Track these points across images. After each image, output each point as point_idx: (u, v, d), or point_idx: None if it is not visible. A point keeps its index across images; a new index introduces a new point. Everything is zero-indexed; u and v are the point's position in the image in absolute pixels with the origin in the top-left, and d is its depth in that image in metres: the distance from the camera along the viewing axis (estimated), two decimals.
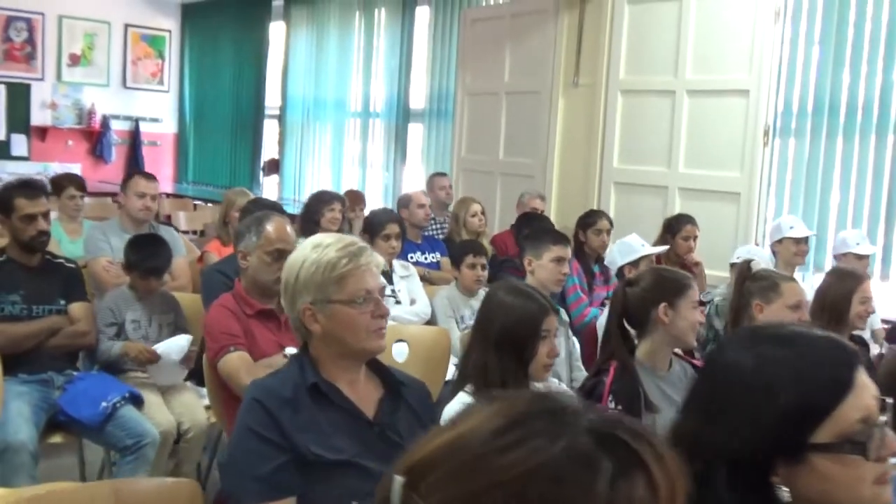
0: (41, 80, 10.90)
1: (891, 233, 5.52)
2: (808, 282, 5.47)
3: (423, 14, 8.83)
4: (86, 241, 4.86)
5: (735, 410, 1.28)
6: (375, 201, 8.50)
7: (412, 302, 4.70)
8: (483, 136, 7.52)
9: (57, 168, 10.16)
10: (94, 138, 11.32)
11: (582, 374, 3.85)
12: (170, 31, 12.00)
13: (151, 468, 3.49)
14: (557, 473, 0.77)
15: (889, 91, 5.43)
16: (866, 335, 4.33)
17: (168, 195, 9.93)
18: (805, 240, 5.03)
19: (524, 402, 0.85)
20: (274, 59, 10.82)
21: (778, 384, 1.25)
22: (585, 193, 6.60)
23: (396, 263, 4.88)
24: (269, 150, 11.06)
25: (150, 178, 4.97)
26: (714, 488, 1.22)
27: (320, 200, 5.48)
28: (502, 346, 2.44)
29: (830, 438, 1.23)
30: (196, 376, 3.97)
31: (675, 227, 5.35)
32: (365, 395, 2.16)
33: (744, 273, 3.30)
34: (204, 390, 3.90)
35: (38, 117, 10.89)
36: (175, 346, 3.79)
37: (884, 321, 4.94)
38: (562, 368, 3.69)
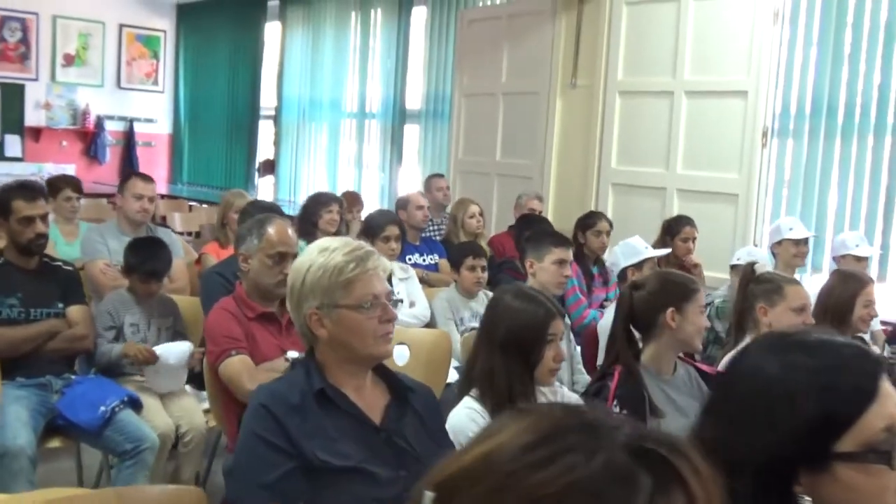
0: (35, 80, 10.85)
1: (888, 234, 5.52)
2: (806, 283, 5.46)
3: (419, 14, 8.81)
4: (83, 243, 4.83)
5: (758, 418, 1.26)
6: (371, 202, 8.48)
7: (411, 304, 4.68)
8: (480, 138, 7.50)
9: (51, 169, 10.12)
10: (89, 139, 11.27)
11: (583, 376, 3.85)
12: (164, 32, 11.95)
13: (150, 473, 3.47)
14: (595, 491, 0.75)
15: (886, 92, 5.43)
16: (866, 337, 4.33)
17: (163, 196, 9.88)
18: (805, 241, 5.03)
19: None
20: (269, 59, 10.79)
21: (802, 393, 1.24)
22: (583, 195, 6.59)
23: (395, 265, 4.85)
24: (264, 151, 11.03)
25: (148, 179, 4.94)
26: (736, 498, 1.20)
27: (318, 202, 5.46)
28: (508, 350, 2.42)
29: (854, 447, 1.21)
30: (195, 380, 3.95)
31: (674, 229, 5.34)
32: (371, 400, 2.14)
33: (747, 276, 3.29)
34: (203, 394, 3.89)
35: (32, 118, 10.84)
36: (175, 350, 3.76)
37: (883, 323, 4.93)
38: (563, 371, 3.67)
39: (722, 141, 5.85)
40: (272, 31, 10.72)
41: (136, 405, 3.60)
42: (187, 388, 3.95)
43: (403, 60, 8.92)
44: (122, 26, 11.53)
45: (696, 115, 6.00)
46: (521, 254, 4.20)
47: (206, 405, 3.84)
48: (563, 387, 3.25)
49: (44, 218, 3.76)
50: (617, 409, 2.59)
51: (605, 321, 4.07)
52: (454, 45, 8.01)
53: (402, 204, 5.94)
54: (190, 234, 8.05)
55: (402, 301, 2.29)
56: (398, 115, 8.99)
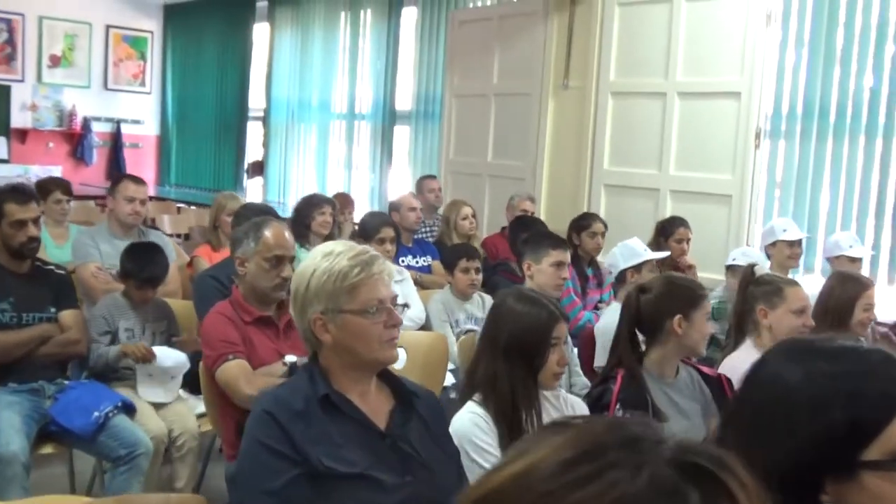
0: (21, 81, 10.77)
1: (879, 235, 5.53)
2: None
3: (409, 15, 8.79)
4: (74, 246, 4.78)
5: (781, 428, 1.24)
6: (361, 204, 8.44)
7: (406, 307, 4.65)
8: (471, 138, 7.48)
9: (37, 171, 10.05)
10: (75, 140, 11.20)
11: (580, 379, 3.83)
12: (152, 33, 11.89)
13: (145, 479, 3.44)
14: None
15: (878, 93, 5.45)
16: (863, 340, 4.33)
17: (151, 198, 9.80)
18: (798, 242, 5.03)
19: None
20: (258, 60, 10.74)
21: (827, 401, 1.21)
22: (576, 196, 6.58)
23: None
24: (253, 153, 10.98)
25: (140, 182, 4.90)
26: None
27: (311, 204, 5.42)
28: (512, 355, 2.40)
29: (881, 456, 1.19)
30: (188, 385, 3.92)
31: (668, 230, 5.34)
32: (376, 406, 2.11)
33: (747, 278, 3.28)
34: (196, 398, 3.85)
35: (18, 119, 10.76)
36: (172, 354, 3.74)
37: (876, 323, 4.93)
38: None
39: (715, 142, 5.85)
40: (260, 31, 10.67)
41: (129, 410, 3.57)
42: (181, 392, 3.92)
43: (393, 61, 8.89)
44: (108, 27, 11.46)
45: (689, 116, 5.99)
46: (518, 256, 4.18)
47: (199, 410, 3.82)
48: (561, 388, 3.25)
49: (36, 221, 3.71)
50: (620, 413, 2.58)
51: (603, 323, 4.07)
52: (445, 45, 7.99)
53: (395, 206, 5.92)
54: (179, 236, 8.00)
55: (407, 306, 2.26)
56: (388, 116, 8.96)
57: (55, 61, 11.03)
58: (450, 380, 4.13)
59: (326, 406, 2.03)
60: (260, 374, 3.05)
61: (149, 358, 3.69)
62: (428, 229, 6.52)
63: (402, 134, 8.94)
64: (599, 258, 5.32)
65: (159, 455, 3.56)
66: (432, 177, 7.19)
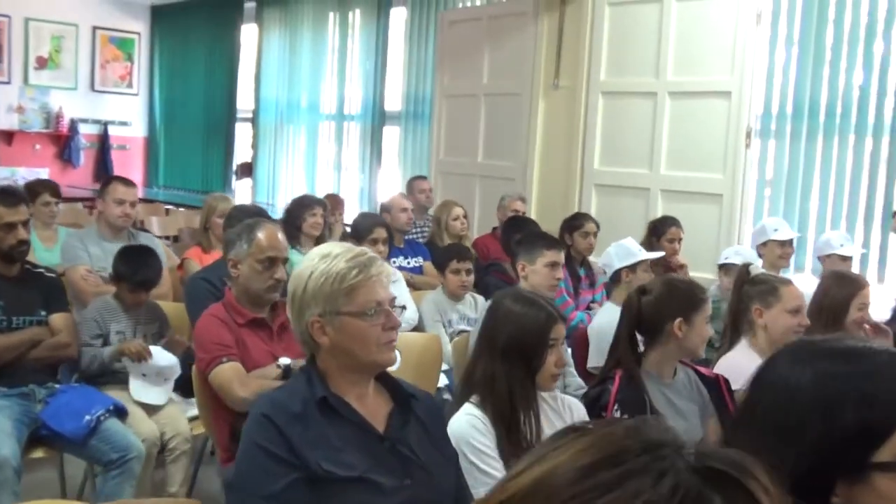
0: (7, 83, 10.71)
1: (869, 234, 5.55)
2: None
3: (398, 15, 8.77)
4: (63, 249, 4.75)
5: (792, 430, 1.22)
6: (351, 205, 8.41)
7: (404, 308, 4.64)
8: (462, 139, 7.47)
9: (24, 173, 10.00)
10: (62, 142, 11.15)
11: (575, 380, 3.82)
12: (139, 34, 11.83)
13: (137, 483, 3.41)
14: None
15: (867, 92, 5.46)
16: None
17: (139, 200, 9.75)
18: (790, 242, 5.04)
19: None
20: (246, 61, 10.70)
21: (839, 402, 1.20)
22: (566, 196, 6.57)
23: None
24: (241, 154, 10.94)
25: (129, 183, 4.87)
26: None
27: (302, 205, 5.39)
28: (510, 356, 2.38)
29: (893, 457, 1.18)
30: (180, 388, 3.90)
31: (660, 230, 5.33)
32: (374, 408, 2.10)
33: (742, 277, 3.28)
34: (189, 401, 3.83)
35: (5, 121, 10.69)
36: (166, 355, 3.72)
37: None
38: None
39: (705, 141, 5.85)
40: (248, 32, 10.63)
41: (121, 414, 3.55)
42: (173, 395, 3.89)
43: (383, 62, 8.87)
44: (95, 28, 11.40)
45: (680, 115, 5.99)
46: (512, 256, 4.17)
47: (191, 413, 3.80)
48: (556, 389, 3.24)
49: (25, 224, 3.68)
50: (618, 414, 2.57)
51: (596, 324, 4.06)
52: (434, 46, 7.98)
53: (386, 207, 5.91)
54: (168, 238, 7.96)
55: (405, 308, 2.24)
56: (377, 117, 8.95)
57: (42, 63, 10.97)
58: (443, 381, 4.12)
59: (324, 409, 2.01)
60: (254, 376, 3.03)
61: (145, 356, 3.67)
62: (419, 230, 6.51)
63: (391, 134, 8.92)
64: (591, 258, 5.32)
65: (152, 459, 3.53)
66: (423, 177, 7.18)
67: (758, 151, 5.90)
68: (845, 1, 5.49)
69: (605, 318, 4.02)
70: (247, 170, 10.74)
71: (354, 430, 2.02)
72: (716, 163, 5.82)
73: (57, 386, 3.66)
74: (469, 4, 7.94)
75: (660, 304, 2.72)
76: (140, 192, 10.53)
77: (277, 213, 7.92)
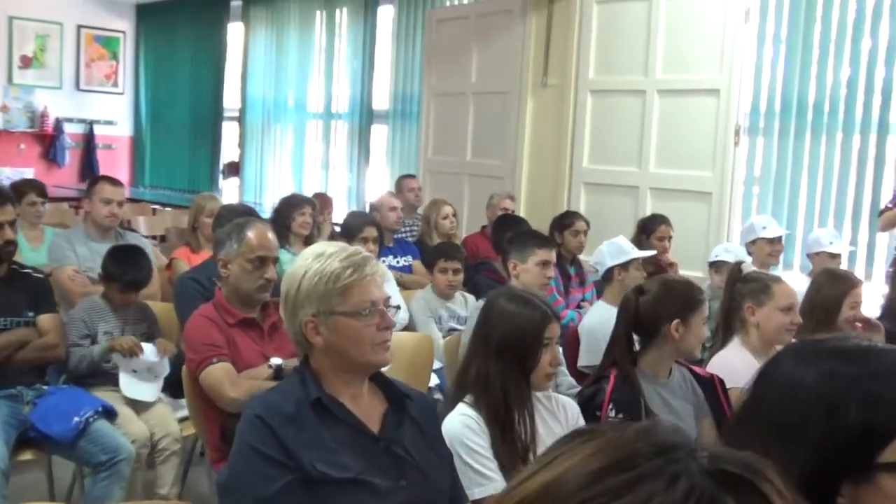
0: None
1: (857, 231, 5.57)
2: None
3: (385, 13, 8.74)
4: (50, 249, 4.71)
5: (796, 431, 1.21)
6: (339, 204, 8.39)
7: (398, 308, 4.62)
8: (450, 138, 7.45)
9: (9, 173, 9.92)
10: (47, 142, 11.06)
11: (567, 378, 3.81)
12: (124, 33, 11.75)
13: (127, 485, 3.38)
14: None
15: (854, 90, 5.48)
16: None
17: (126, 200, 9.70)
18: (779, 239, 5.04)
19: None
20: (232, 60, 10.65)
21: (843, 402, 1.19)
22: (555, 194, 6.56)
23: None
24: (228, 153, 10.89)
25: (117, 183, 4.84)
26: None
27: (291, 204, 5.37)
28: (504, 355, 2.37)
29: None
30: (169, 388, 3.87)
31: (650, 228, 5.33)
32: (369, 409, 2.08)
33: (734, 275, 3.27)
34: (178, 402, 3.80)
35: None
36: (156, 351, 3.71)
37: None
38: None
39: (695, 139, 5.85)
40: (235, 31, 10.58)
41: (110, 415, 3.52)
42: (161, 395, 3.87)
43: (370, 60, 8.85)
44: (80, 27, 11.32)
45: (669, 113, 5.99)
46: (503, 255, 4.16)
47: (180, 414, 3.77)
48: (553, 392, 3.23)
49: (12, 224, 3.64)
50: (612, 414, 2.56)
51: (587, 322, 4.05)
52: (422, 44, 7.96)
53: (375, 206, 5.89)
54: (155, 237, 7.91)
55: (399, 307, 2.21)
56: (365, 116, 8.92)
57: (26, 62, 10.89)
58: (433, 380, 4.10)
59: (318, 410, 1.99)
60: (245, 377, 3.01)
61: (137, 352, 3.64)
62: (408, 229, 6.49)
63: (379, 133, 8.89)
64: (581, 257, 5.31)
65: (142, 460, 3.51)
66: (412, 176, 7.16)
67: (746, 149, 5.91)
68: None
69: (597, 317, 4.02)
70: (234, 169, 10.70)
71: (349, 431, 2.01)
72: (705, 161, 5.82)
73: (45, 387, 3.63)
74: (457, 3, 7.92)
75: (657, 304, 2.72)
76: (126, 192, 10.54)
77: (265, 212, 7.88)
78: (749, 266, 3.36)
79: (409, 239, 6.24)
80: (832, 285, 3.54)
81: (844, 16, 5.48)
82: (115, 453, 3.34)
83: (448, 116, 7.46)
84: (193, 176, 11.09)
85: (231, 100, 10.69)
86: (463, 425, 2.34)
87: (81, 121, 11.37)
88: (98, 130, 11.49)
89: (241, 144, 10.49)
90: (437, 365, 4.10)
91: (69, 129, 11.18)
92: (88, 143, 11.41)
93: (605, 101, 6.34)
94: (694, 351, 2.79)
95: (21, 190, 5.52)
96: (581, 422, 2.49)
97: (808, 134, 5.67)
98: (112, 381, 3.74)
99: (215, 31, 10.72)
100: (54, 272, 4.44)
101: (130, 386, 3.71)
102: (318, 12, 9.43)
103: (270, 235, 3.32)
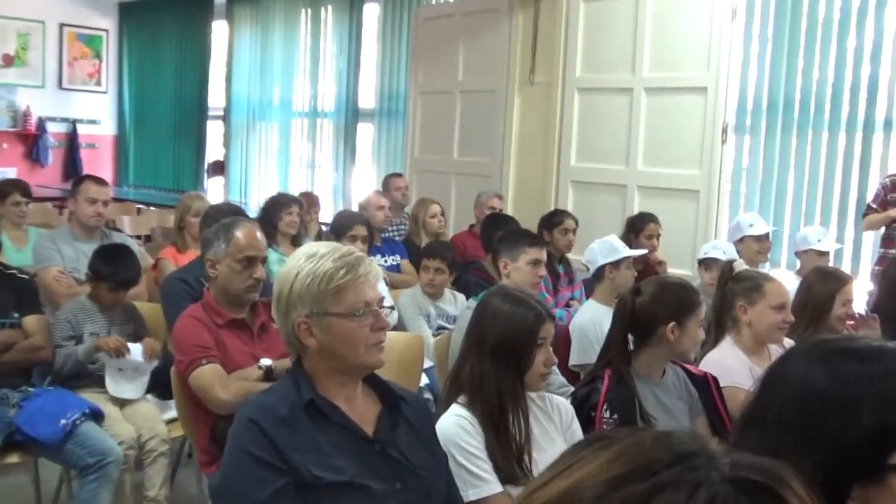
0: None
1: (843, 229, 5.58)
2: None
3: (371, 11, 8.71)
4: (35, 249, 4.66)
5: (808, 432, 1.20)
6: (325, 203, 8.35)
7: (392, 308, 4.61)
8: (437, 136, 7.43)
9: None
10: (30, 141, 10.98)
11: (557, 378, 3.79)
12: (107, 31, 11.67)
13: (115, 488, 3.35)
14: None
15: (840, 87, 5.49)
16: None
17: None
18: (766, 236, 5.05)
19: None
20: (217, 58, 10.59)
21: (857, 403, 1.17)
22: (543, 193, 6.55)
23: None
24: (213, 152, 10.83)
25: (102, 182, 4.79)
26: None
27: (278, 203, 5.33)
28: (498, 356, 2.35)
29: None
30: (157, 389, 3.84)
31: (638, 226, 5.31)
32: (363, 411, 2.06)
33: (726, 274, 3.27)
34: (166, 404, 3.77)
35: None
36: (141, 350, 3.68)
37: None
38: None
39: (682, 137, 5.85)
40: (219, 29, 10.52)
41: (97, 417, 3.48)
42: (148, 396, 3.84)
43: (356, 58, 8.81)
44: (62, 26, 11.23)
45: (656, 111, 5.99)
46: (494, 254, 4.14)
47: (169, 415, 3.74)
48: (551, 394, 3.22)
49: None
50: (607, 415, 2.54)
51: (578, 321, 4.04)
52: (408, 42, 7.93)
53: (363, 206, 5.86)
54: (139, 237, 7.85)
55: (393, 308, 2.19)
56: (351, 114, 8.88)
57: (8, 61, 10.80)
58: (423, 380, 4.08)
59: (312, 412, 1.97)
60: (235, 378, 2.98)
61: (123, 352, 3.61)
62: (395, 228, 6.47)
63: (365, 132, 8.86)
64: (570, 255, 5.30)
65: (130, 461, 3.47)
66: (399, 175, 7.13)
67: (733, 147, 5.92)
68: None
69: (588, 316, 4.01)
70: (218, 168, 10.64)
71: (343, 433, 1.98)
72: (692, 159, 5.82)
73: (31, 390, 3.59)
74: (443, 1, 7.90)
75: (654, 306, 2.71)
76: (111, 192, 10.47)
77: (251, 211, 7.84)
78: (741, 265, 3.35)
79: (397, 238, 6.21)
80: (823, 283, 3.54)
81: (830, 14, 5.50)
82: (102, 456, 3.31)
83: (435, 115, 7.44)
84: (178, 175, 11.03)
85: (216, 98, 10.64)
86: (457, 426, 2.32)
87: (64, 120, 11.30)
88: (81, 129, 11.42)
89: (226, 143, 10.45)
90: (426, 364, 4.08)
91: (52, 128, 11.10)
92: (72, 143, 11.34)
93: (593, 100, 6.33)
94: (688, 353, 2.79)
95: (5, 190, 5.47)
96: (576, 423, 2.48)
97: (795, 131, 5.69)
98: (98, 382, 3.70)
99: (199, 30, 10.66)
100: (39, 273, 4.39)
101: (116, 384, 3.68)
102: (303, 10, 9.39)
103: (259, 235, 3.28)
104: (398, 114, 8.22)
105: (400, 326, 4.43)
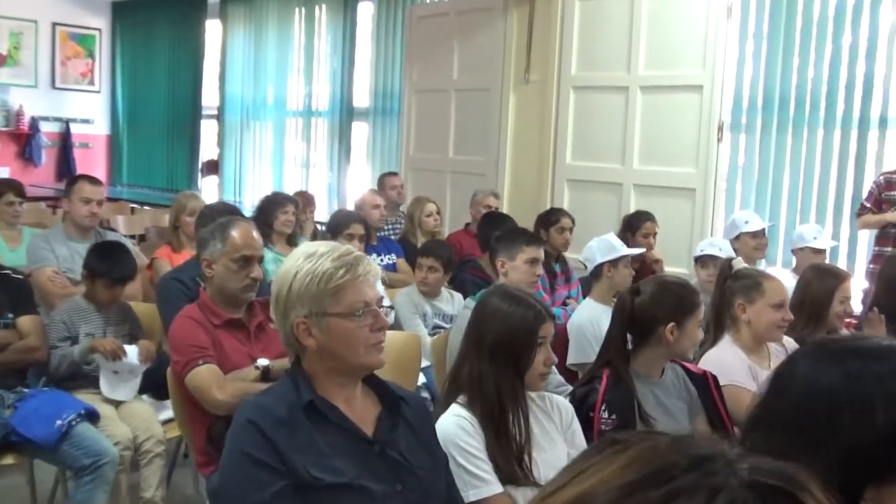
0: None
1: (838, 226, 5.58)
2: None
3: (365, 10, 8.69)
4: (29, 249, 4.64)
5: (822, 432, 1.18)
6: (319, 202, 8.32)
7: (391, 308, 4.60)
8: (432, 135, 7.42)
9: None
10: (23, 141, 10.92)
11: (555, 377, 3.78)
12: (100, 30, 11.61)
13: (111, 489, 3.33)
14: None
15: (835, 85, 5.49)
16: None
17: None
18: (762, 232, 5.05)
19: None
20: (210, 57, 10.55)
21: (870, 403, 1.16)
22: (539, 191, 6.54)
23: None
24: (207, 151, 10.79)
25: (96, 182, 4.77)
26: None
27: (273, 202, 5.32)
28: (497, 355, 2.33)
29: None
30: (153, 390, 3.82)
31: (635, 225, 5.31)
32: (362, 412, 2.04)
33: (725, 272, 3.26)
34: (162, 404, 3.75)
35: None
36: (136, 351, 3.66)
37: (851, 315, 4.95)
38: None
39: (678, 136, 5.85)
40: (213, 28, 10.49)
41: (92, 418, 3.47)
42: (144, 397, 3.82)
43: (350, 57, 8.78)
44: (55, 25, 11.17)
45: (652, 110, 5.98)
46: (491, 253, 4.12)
47: (165, 416, 3.72)
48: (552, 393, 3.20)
49: None
50: (606, 415, 2.53)
51: (576, 320, 4.03)
52: (403, 41, 7.91)
53: (359, 205, 5.85)
54: (134, 237, 7.81)
55: (392, 307, 2.17)
56: (346, 113, 8.86)
57: (0, 60, 10.74)
58: (420, 379, 4.07)
59: (311, 413, 1.95)
60: (232, 378, 2.96)
61: (119, 354, 3.59)
62: (391, 227, 6.45)
63: (360, 131, 8.83)
64: (567, 253, 5.29)
65: (126, 462, 3.46)
66: (394, 174, 7.11)
67: (729, 145, 5.92)
68: None
69: (585, 315, 4.00)
70: (213, 167, 10.60)
71: (343, 434, 1.97)
72: (688, 157, 5.82)
73: (26, 391, 3.57)
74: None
75: (653, 306, 2.70)
76: (105, 191, 10.43)
77: (246, 210, 7.82)
78: (740, 263, 3.34)
79: (393, 237, 6.20)
80: (821, 281, 3.54)
81: (826, 12, 5.50)
82: (98, 457, 3.30)
83: (430, 113, 7.43)
84: (172, 174, 10.99)
85: (209, 97, 10.59)
86: (457, 426, 2.30)
87: (57, 119, 11.24)
88: (74, 129, 11.36)
89: (220, 143, 10.40)
90: (423, 363, 4.06)
91: (45, 127, 11.04)
92: (65, 142, 11.27)
93: (588, 98, 6.32)
94: (687, 353, 2.79)
95: None
96: (576, 422, 2.47)
97: (791, 129, 5.68)
98: (93, 383, 3.69)
99: (193, 29, 10.61)
100: (34, 273, 4.37)
101: (111, 386, 3.67)
102: (296, 9, 9.36)
103: (255, 234, 3.26)
104: (393, 112, 8.20)
105: (396, 325, 4.42)
